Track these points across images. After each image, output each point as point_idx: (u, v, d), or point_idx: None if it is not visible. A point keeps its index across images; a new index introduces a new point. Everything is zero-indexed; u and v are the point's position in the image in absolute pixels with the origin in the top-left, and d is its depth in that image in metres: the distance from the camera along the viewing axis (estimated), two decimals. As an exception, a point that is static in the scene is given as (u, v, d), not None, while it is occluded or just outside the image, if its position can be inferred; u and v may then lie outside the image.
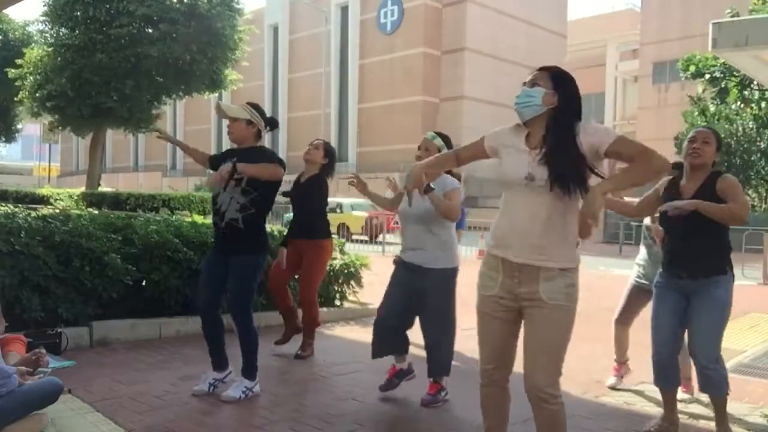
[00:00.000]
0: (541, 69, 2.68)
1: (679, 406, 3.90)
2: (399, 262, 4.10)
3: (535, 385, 2.57)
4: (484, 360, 2.76)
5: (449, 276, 3.98)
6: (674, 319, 3.57)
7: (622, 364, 4.69)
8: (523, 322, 2.66)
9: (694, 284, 3.48)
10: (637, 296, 4.58)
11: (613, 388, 4.57)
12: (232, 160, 3.86)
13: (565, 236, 2.54)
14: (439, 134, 4.14)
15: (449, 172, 4.07)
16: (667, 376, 3.64)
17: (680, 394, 4.11)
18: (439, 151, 3.97)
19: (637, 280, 4.59)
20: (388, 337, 4.06)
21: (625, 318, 4.66)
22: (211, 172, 4.17)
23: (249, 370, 3.96)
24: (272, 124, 4.14)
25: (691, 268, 3.49)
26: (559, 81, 2.61)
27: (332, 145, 5.40)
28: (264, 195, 3.92)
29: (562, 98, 2.57)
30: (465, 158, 2.92)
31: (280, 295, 5.28)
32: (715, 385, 3.52)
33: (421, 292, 3.94)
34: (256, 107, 4.05)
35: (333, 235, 5.68)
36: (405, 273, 4.03)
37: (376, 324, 4.09)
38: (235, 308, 3.92)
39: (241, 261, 3.88)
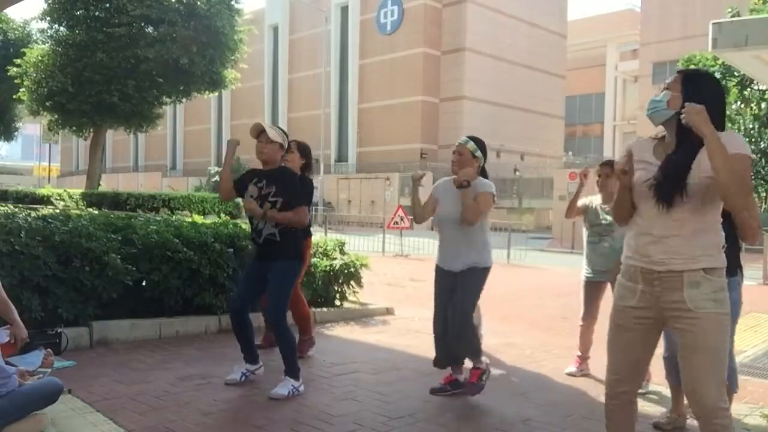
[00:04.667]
0: (678, 72, 2.54)
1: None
2: (439, 271, 4.21)
3: (701, 402, 2.43)
4: (612, 371, 2.65)
5: (478, 274, 4.10)
6: None
7: (584, 359, 4.95)
8: (676, 335, 2.54)
9: None
10: (591, 290, 4.84)
11: (571, 375, 4.88)
12: (259, 184, 4.15)
13: (704, 241, 2.43)
14: (473, 138, 4.19)
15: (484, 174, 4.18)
16: (677, 372, 3.71)
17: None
18: (473, 154, 4.07)
19: (587, 275, 4.84)
20: (443, 345, 4.16)
21: (588, 316, 4.89)
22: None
23: (292, 371, 4.10)
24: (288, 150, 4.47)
25: None
26: (689, 82, 2.46)
27: (304, 142, 5.40)
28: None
29: (689, 100, 2.39)
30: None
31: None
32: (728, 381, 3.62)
33: (455, 290, 4.08)
34: (284, 131, 4.34)
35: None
36: (445, 280, 4.14)
37: (435, 337, 4.20)
38: (272, 311, 4.12)
39: (280, 267, 4.11)
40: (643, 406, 4.20)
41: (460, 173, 4.03)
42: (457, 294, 4.07)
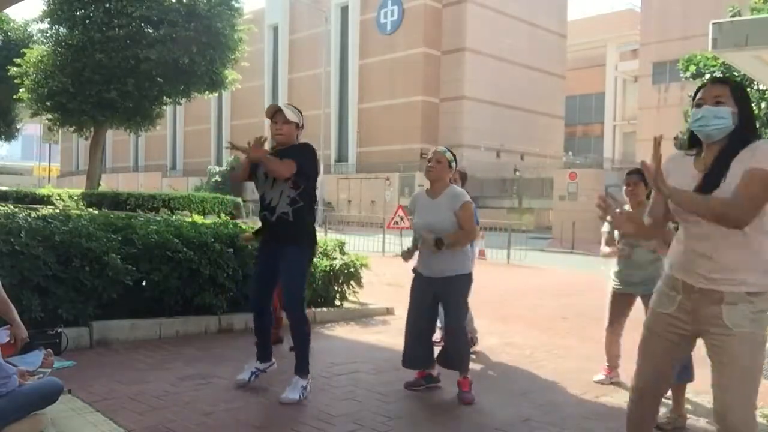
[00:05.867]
0: (719, 82, 2.46)
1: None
2: (418, 276, 4.31)
3: (726, 423, 2.35)
4: (640, 376, 2.62)
5: (464, 282, 4.23)
6: None
7: (613, 368, 4.81)
8: (707, 351, 2.46)
9: None
10: (619, 302, 4.69)
11: (600, 383, 4.74)
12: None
13: (752, 259, 2.36)
14: (447, 148, 4.35)
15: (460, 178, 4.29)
16: (678, 373, 3.73)
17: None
18: (449, 164, 4.22)
19: (615, 287, 4.68)
20: (417, 347, 4.29)
21: (614, 327, 4.76)
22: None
23: (302, 366, 4.04)
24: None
25: None
26: (741, 97, 2.42)
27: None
28: (310, 188, 4.08)
29: (741, 117, 2.39)
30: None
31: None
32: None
33: (440, 299, 4.19)
34: (299, 110, 4.24)
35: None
36: (422, 287, 4.25)
37: (405, 337, 4.34)
38: (289, 300, 4.05)
39: (292, 253, 4.00)
40: (643, 406, 4.21)
41: (431, 240, 4.03)
42: (445, 305, 4.20)
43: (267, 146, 4.08)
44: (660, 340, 2.55)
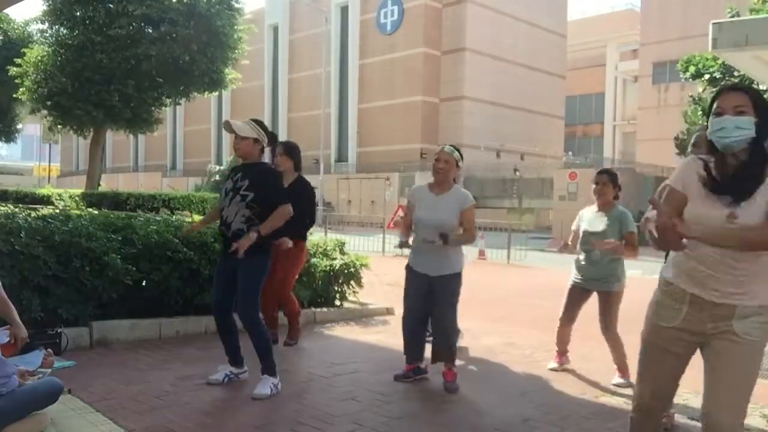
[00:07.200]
0: (739, 90, 2.38)
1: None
2: (411, 272, 4.43)
3: (716, 426, 2.35)
4: (644, 392, 2.57)
5: (456, 279, 4.35)
6: None
7: (563, 354, 5.07)
8: (705, 354, 2.44)
9: None
10: (577, 295, 4.89)
11: (553, 370, 4.99)
12: (235, 177, 4.15)
13: (765, 272, 2.34)
14: (454, 147, 4.45)
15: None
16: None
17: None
18: (457, 164, 4.33)
19: (576, 280, 4.87)
20: (417, 342, 4.49)
21: (568, 317, 4.97)
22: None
23: (269, 368, 4.09)
24: (273, 139, 4.34)
25: None
26: (762, 106, 2.33)
27: (293, 142, 5.52)
28: (267, 209, 4.06)
29: (761, 127, 2.31)
30: None
31: (270, 301, 5.26)
32: None
33: (432, 294, 4.33)
34: (260, 123, 4.22)
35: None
36: (417, 282, 4.38)
37: (404, 332, 4.51)
38: (243, 309, 4.08)
39: (246, 264, 4.02)
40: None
41: (437, 234, 4.17)
42: (437, 301, 4.30)
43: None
44: (665, 354, 2.49)
